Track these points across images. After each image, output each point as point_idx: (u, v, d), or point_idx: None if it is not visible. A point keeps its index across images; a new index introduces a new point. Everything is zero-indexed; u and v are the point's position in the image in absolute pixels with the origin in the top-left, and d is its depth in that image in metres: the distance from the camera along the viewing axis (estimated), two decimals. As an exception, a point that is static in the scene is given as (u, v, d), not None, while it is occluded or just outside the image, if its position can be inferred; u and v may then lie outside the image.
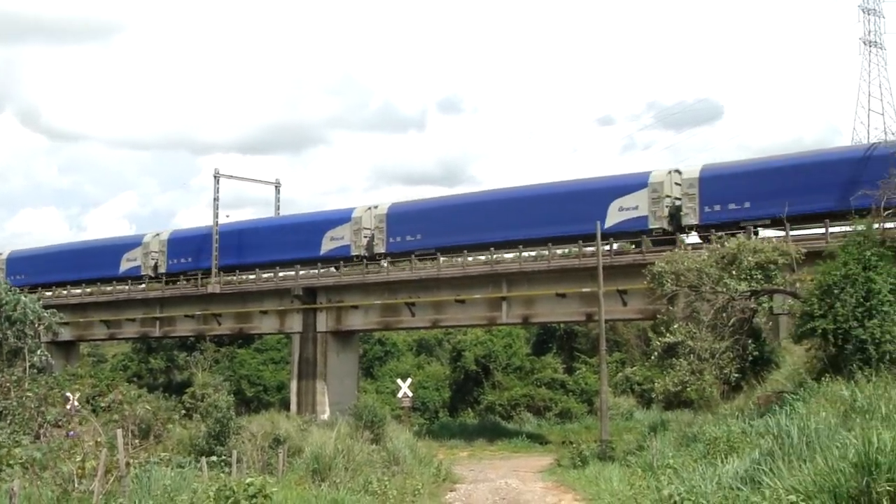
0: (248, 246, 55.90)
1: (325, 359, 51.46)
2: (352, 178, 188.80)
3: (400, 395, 43.26)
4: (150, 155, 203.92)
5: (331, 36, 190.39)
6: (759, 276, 27.49)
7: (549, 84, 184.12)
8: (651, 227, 41.73)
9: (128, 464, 15.96)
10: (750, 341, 27.20)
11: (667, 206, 41.77)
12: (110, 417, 22.72)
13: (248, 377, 69.54)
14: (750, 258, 27.81)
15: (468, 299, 47.10)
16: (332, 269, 52.89)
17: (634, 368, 58.95)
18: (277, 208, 62.27)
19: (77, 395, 32.81)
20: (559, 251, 45.09)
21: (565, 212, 44.15)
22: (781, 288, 27.85)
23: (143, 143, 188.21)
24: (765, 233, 37.64)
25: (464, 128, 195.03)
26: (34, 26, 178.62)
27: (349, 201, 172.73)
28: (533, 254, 45.31)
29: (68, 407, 28.75)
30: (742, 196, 39.79)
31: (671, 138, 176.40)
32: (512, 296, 45.96)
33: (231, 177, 61.37)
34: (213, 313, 56.91)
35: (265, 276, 54.62)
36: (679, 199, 41.85)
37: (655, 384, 30.90)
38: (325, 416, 46.49)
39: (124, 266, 62.33)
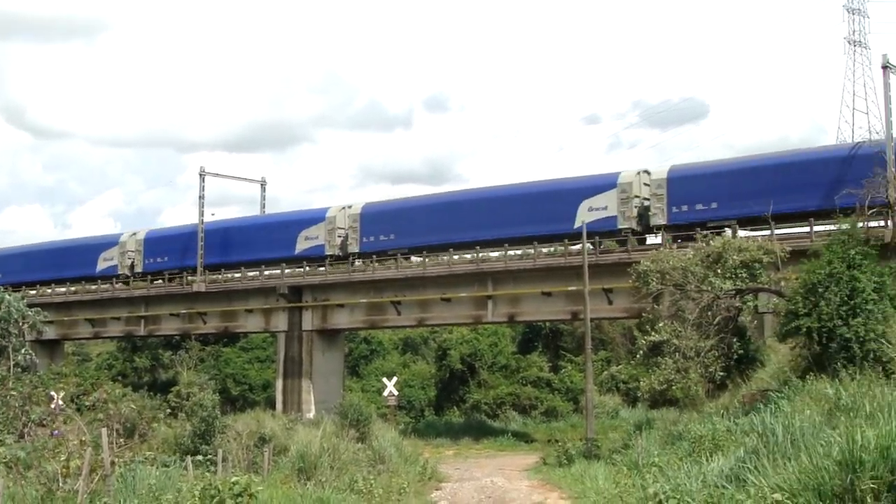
0: (224, 245, 55.84)
1: (310, 357, 51.44)
2: (338, 177, 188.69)
3: (385, 393, 43.31)
4: (136, 153, 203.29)
5: (316, 34, 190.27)
6: (744, 275, 27.58)
7: (535, 83, 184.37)
8: (620, 227, 42.19)
9: (112, 463, 15.90)
10: (735, 340, 27.29)
11: (635, 207, 42.32)
12: (95, 416, 22.63)
13: (234, 376, 69.41)
14: (735, 257, 27.91)
15: (454, 298, 47.11)
16: (318, 267, 52.84)
17: (620, 367, 59.12)
18: (263, 206, 62.32)
19: (61, 393, 32.64)
20: (545, 250, 45.29)
21: (536, 212, 44.75)
22: (766, 286, 27.94)
23: (129, 140, 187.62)
24: (741, 233, 37.98)
25: (450, 126, 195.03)
26: (19, 24, 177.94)
27: (335, 199, 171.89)
28: (518, 252, 45.38)
29: (53, 406, 28.63)
30: (709, 197, 40.36)
31: (657, 137, 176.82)
32: (498, 294, 46.02)
33: (216, 175, 61.33)
34: (199, 312, 56.79)
35: (251, 274, 54.55)
36: (648, 199, 42.31)
37: (641, 382, 30.95)
38: (311, 415, 46.50)
39: (101, 265, 62.41)
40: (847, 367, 19.03)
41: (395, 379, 44.67)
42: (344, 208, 53.10)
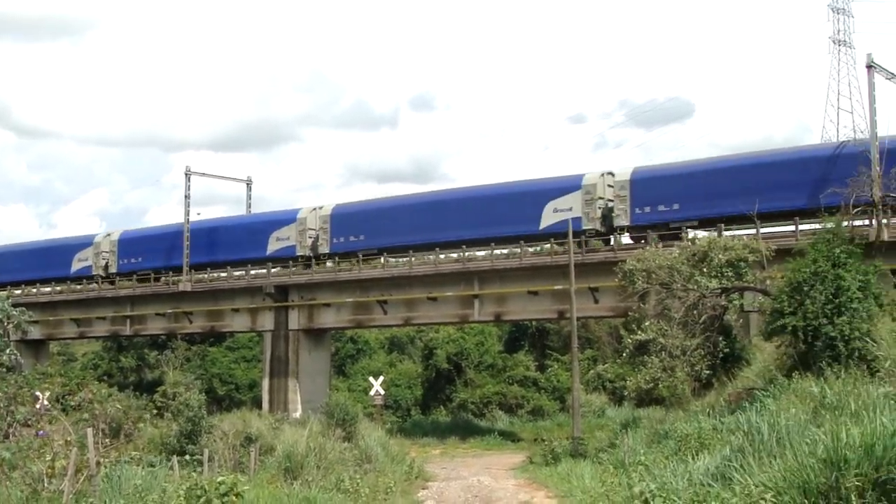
0: (197, 246, 55.70)
1: (296, 357, 51.38)
2: (324, 176, 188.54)
3: (372, 392, 43.26)
4: (121, 152, 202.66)
5: (302, 33, 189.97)
6: (730, 274, 27.65)
7: (521, 82, 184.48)
8: (584, 227, 42.52)
9: (98, 463, 15.85)
10: (721, 338, 27.36)
11: (599, 208, 42.80)
12: (80, 416, 22.49)
13: (220, 375, 69.32)
14: (721, 255, 27.97)
15: (440, 297, 47.12)
16: (304, 266, 52.79)
17: (606, 366, 59.22)
18: (249, 206, 62.30)
19: (47, 393, 32.43)
20: (531, 249, 45.42)
21: (503, 213, 45.17)
22: (752, 285, 28.01)
23: (114, 140, 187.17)
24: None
25: (436, 125, 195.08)
26: (5, 23, 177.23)
27: (321, 199, 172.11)
28: (505, 251, 45.45)
29: (38, 406, 28.43)
30: (671, 198, 40.87)
31: (642, 136, 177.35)
32: (484, 293, 46.05)
33: (202, 174, 61.14)
34: (185, 311, 56.64)
35: (237, 273, 54.49)
36: (612, 200, 42.71)
37: (627, 381, 30.98)
38: (297, 415, 46.47)
39: (76, 266, 62.43)
40: (832, 365, 19.06)
41: (381, 378, 44.60)
42: (315, 209, 53.38)
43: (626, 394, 40.50)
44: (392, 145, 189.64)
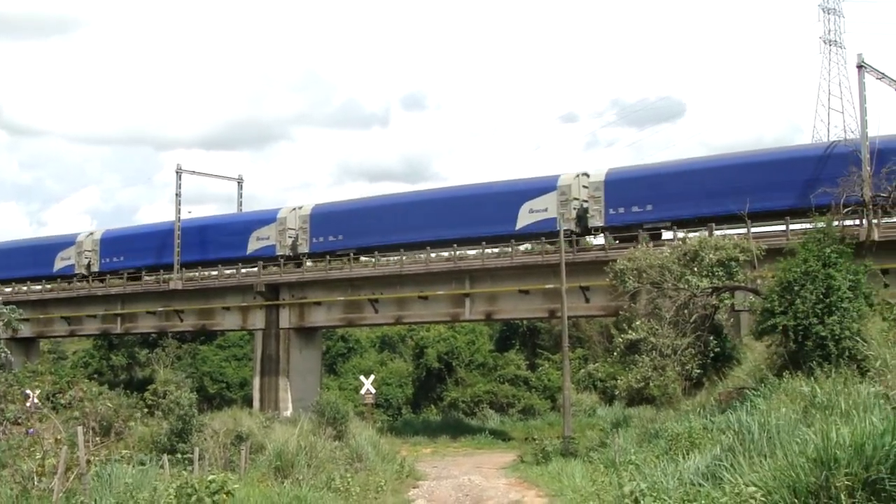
0: (182, 245, 55.47)
1: (287, 355, 51.35)
2: (316, 175, 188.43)
3: (363, 391, 43.26)
4: (113, 150, 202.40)
5: (294, 32, 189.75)
6: (721, 273, 27.70)
7: (512, 81, 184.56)
8: (559, 228, 42.31)
9: (88, 461, 15.81)
10: (711, 338, 27.40)
11: (574, 209, 42.96)
12: (71, 414, 22.44)
13: (211, 374, 69.25)
14: (711, 255, 28.02)
15: (431, 296, 47.10)
16: (295, 265, 52.74)
17: (597, 365, 59.17)
18: (240, 204, 62.21)
19: (37, 391, 32.34)
20: (522, 248, 45.43)
21: (480, 213, 45.36)
22: (742, 285, 28.06)
23: (106, 138, 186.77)
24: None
25: (427, 124, 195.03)
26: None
27: (312, 197, 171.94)
28: (496, 250, 45.46)
29: (28, 404, 28.39)
30: (644, 199, 41.12)
31: (634, 135, 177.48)
32: (475, 292, 46.04)
33: (193, 172, 60.90)
34: (175, 310, 56.51)
35: (227, 272, 54.39)
36: (586, 201, 42.86)
37: (618, 381, 31.02)
38: (288, 413, 46.45)
39: (58, 265, 62.42)
40: (822, 364, 19.10)
41: (372, 377, 44.70)
42: (295, 209, 53.54)
43: (616, 393, 40.52)
44: (383, 144, 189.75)
